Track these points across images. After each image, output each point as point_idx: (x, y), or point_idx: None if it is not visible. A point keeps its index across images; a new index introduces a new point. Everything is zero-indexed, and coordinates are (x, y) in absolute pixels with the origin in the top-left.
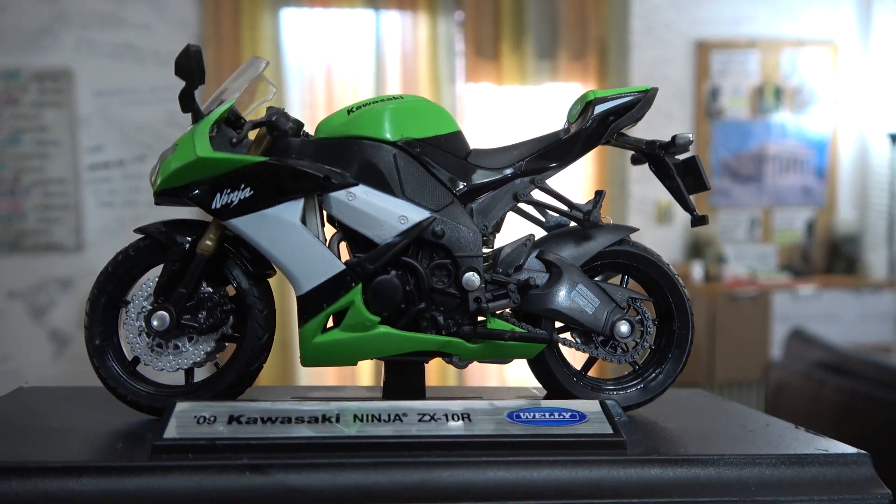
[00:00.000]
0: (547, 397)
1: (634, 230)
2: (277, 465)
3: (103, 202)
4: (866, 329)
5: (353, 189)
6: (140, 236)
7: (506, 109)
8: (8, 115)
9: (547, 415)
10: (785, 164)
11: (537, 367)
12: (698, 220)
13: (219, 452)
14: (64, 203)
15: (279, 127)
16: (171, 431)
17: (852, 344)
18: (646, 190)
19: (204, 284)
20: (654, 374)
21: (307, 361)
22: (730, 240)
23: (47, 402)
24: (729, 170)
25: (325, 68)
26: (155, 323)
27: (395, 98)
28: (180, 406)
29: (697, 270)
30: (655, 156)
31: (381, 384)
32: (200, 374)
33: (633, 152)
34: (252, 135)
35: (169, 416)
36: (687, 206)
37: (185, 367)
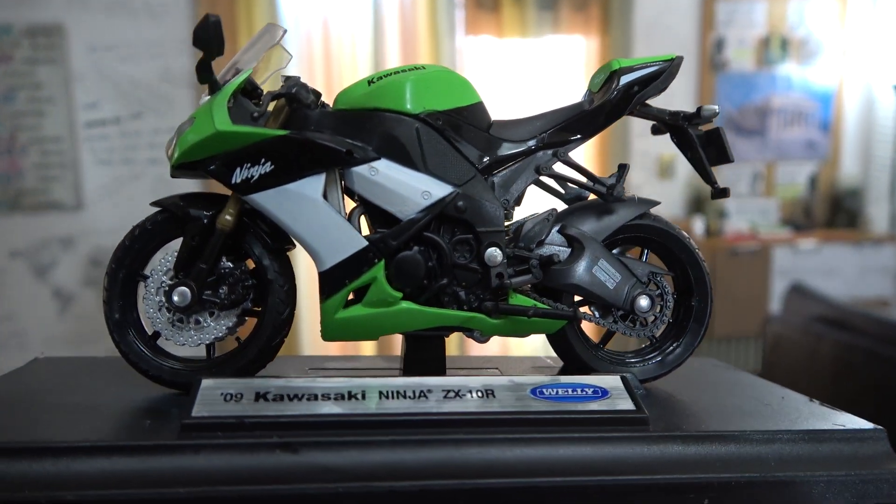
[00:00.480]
0: (564, 370)
1: (656, 204)
2: (307, 442)
3: (101, 160)
4: (865, 283)
5: (375, 163)
6: (156, 209)
7: (506, 62)
8: (1, 72)
9: (569, 391)
10: (789, 117)
11: (556, 341)
12: (719, 193)
13: (248, 430)
14: (61, 161)
15: (300, 100)
16: (198, 409)
17: (851, 298)
18: (647, 144)
19: (223, 259)
20: (671, 348)
21: (328, 336)
22: (732, 194)
23: (65, 375)
24: (732, 123)
25: (321, 23)
26: (176, 299)
27: (416, 68)
28: (206, 383)
29: (699, 225)
30: (678, 127)
31: (397, 354)
32: (220, 348)
33: (654, 122)
34: (270, 105)
35: (195, 393)
36: (708, 178)
37: (207, 342)
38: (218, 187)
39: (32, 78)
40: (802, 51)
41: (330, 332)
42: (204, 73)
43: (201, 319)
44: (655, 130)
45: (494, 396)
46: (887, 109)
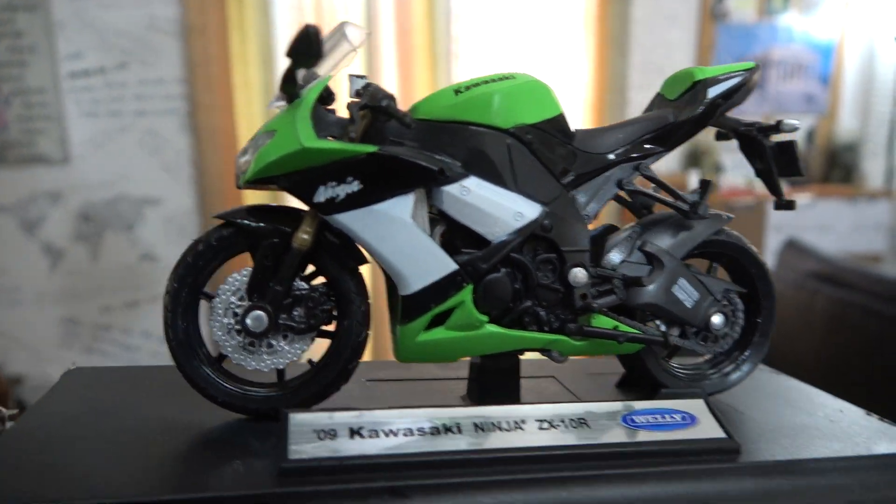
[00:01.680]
0: (628, 379)
1: (730, 219)
2: (414, 486)
3: (86, 112)
4: (859, 239)
5: (465, 182)
6: (219, 222)
7: (501, 13)
8: None
9: (658, 417)
10: (789, 69)
11: (627, 355)
12: (785, 205)
13: (349, 473)
14: (46, 114)
15: (394, 114)
16: (294, 450)
17: (845, 253)
18: (644, 97)
19: (297, 279)
20: (736, 363)
21: (405, 358)
22: (728, 149)
23: (108, 394)
24: None
25: None
26: (251, 324)
27: (505, 77)
28: (295, 417)
29: (694, 180)
30: (751, 137)
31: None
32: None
33: (719, 129)
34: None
35: (286, 430)
36: (776, 190)
37: (281, 366)
38: (280, 198)
39: (13, 26)
40: (804, 0)
41: (408, 354)
42: (290, 84)
43: (274, 343)
44: (720, 136)
45: (588, 426)
46: (888, 64)
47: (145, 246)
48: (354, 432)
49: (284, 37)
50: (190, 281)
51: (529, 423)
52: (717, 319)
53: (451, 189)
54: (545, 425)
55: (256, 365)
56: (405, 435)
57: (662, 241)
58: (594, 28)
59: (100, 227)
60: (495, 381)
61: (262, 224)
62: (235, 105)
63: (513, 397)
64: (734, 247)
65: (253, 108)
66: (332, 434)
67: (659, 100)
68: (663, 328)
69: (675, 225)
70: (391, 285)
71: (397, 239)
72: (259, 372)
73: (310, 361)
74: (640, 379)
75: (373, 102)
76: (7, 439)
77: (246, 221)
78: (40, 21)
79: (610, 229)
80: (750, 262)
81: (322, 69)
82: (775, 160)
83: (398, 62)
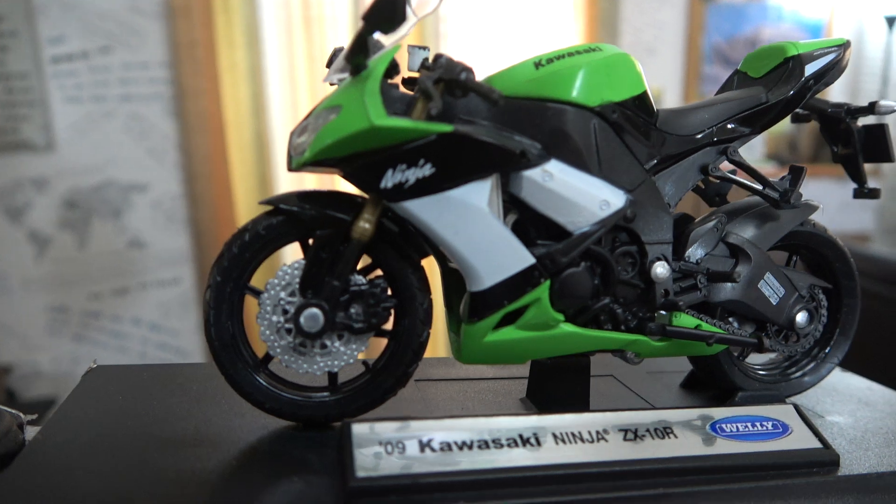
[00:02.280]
0: (697, 378)
1: (817, 208)
2: None
3: (70, 97)
4: (847, 218)
5: (548, 166)
6: (267, 209)
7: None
8: None
9: (748, 426)
10: None
11: (700, 357)
12: (868, 193)
13: (425, 493)
14: (29, 99)
15: (478, 90)
16: (362, 467)
17: (833, 233)
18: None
19: (354, 275)
20: (815, 363)
21: (469, 359)
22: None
23: (136, 395)
24: (721, 55)
25: None
26: (305, 323)
27: (591, 49)
28: (357, 429)
29: None
30: (838, 120)
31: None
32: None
33: (805, 111)
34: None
35: (350, 444)
36: (859, 177)
37: (336, 369)
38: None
39: None
40: None
41: (473, 355)
42: (359, 51)
43: (328, 343)
44: (798, 118)
45: (675, 436)
46: (877, 43)
47: (133, 232)
48: (425, 445)
49: (270, 18)
50: (235, 275)
51: (613, 434)
52: (801, 318)
53: (533, 174)
54: (630, 436)
55: (308, 368)
56: (480, 448)
57: (747, 232)
58: (584, 8)
59: (86, 213)
60: (562, 383)
61: (317, 211)
62: (221, 88)
63: (581, 401)
64: (820, 238)
65: (239, 91)
66: (400, 447)
67: (740, 78)
68: (736, 326)
69: (762, 214)
70: (449, 280)
71: (472, 229)
72: (309, 375)
73: (364, 363)
74: (711, 380)
75: (450, 75)
76: (31, 453)
77: (299, 209)
78: (21, 4)
79: (685, 219)
80: (835, 256)
81: (389, 38)
82: (863, 145)
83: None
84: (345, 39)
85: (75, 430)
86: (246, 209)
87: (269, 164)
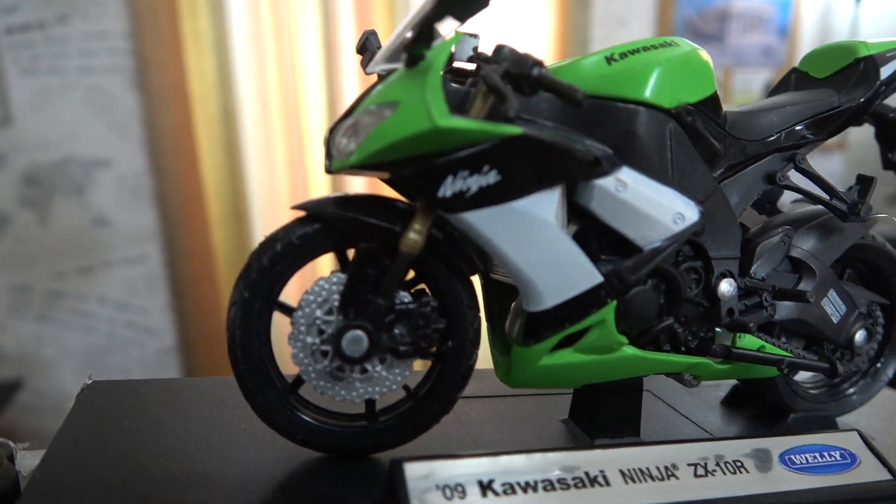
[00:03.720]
0: (735, 396)
1: (885, 220)
2: None
3: (26, 70)
4: (815, 191)
5: (621, 175)
6: (300, 215)
7: None
8: None
9: (817, 456)
10: (749, 21)
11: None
12: None
13: None
14: None
15: (557, 89)
16: None
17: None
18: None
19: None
20: (865, 380)
21: (520, 384)
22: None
23: (139, 418)
24: (692, 28)
25: None
26: (348, 347)
27: (666, 44)
28: (411, 470)
29: None
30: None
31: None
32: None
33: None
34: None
35: (404, 486)
36: None
37: (377, 396)
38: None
39: None
40: None
41: (525, 379)
42: (424, 39)
43: (369, 368)
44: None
45: (746, 470)
46: (844, 16)
47: (97, 209)
48: (486, 487)
49: None
50: (265, 290)
51: (683, 469)
52: (860, 336)
53: (605, 183)
54: (700, 471)
55: (346, 395)
56: (546, 490)
57: (810, 245)
58: None
59: (47, 190)
60: (611, 404)
61: (360, 220)
62: (185, 59)
63: (632, 425)
64: (880, 252)
65: (204, 62)
66: (460, 491)
67: (799, 77)
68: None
69: (825, 226)
70: (492, 292)
71: (537, 244)
72: (346, 402)
73: (406, 388)
74: (759, 398)
75: (519, 70)
76: (30, 494)
77: (339, 216)
78: None
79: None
80: (892, 270)
81: (450, 25)
82: None
83: (355, 13)
84: (313, 8)
85: (77, 466)
86: (214, 185)
87: (237, 138)
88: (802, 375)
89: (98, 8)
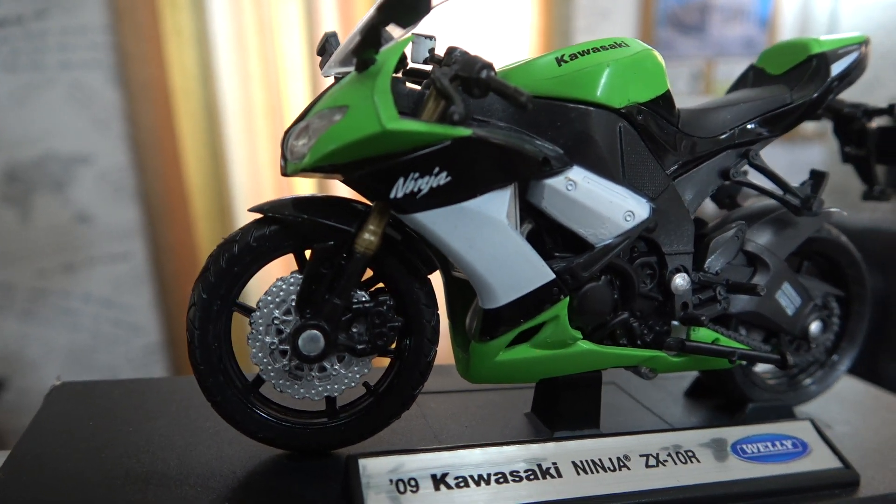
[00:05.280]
0: (697, 387)
1: (836, 214)
2: None
3: (5, 65)
4: (796, 180)
5: (571, 174)
6: (256, 217)
7: None
8: None
9: (769, 445)
10: (731, 13)
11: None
12: (879, 195)
13: None
14: None
15: (503, 91)
16: None
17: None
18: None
19: (356, 290)
20: (823, 370)
21: (478, 379)
22: (672, 92)
23: (107, 418)
24: (675, 19)
25: None
26: (305, 346)
27: (616, 45)
28: (366, 464)
29: None
30: (854, 120)
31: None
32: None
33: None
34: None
35: (358, 482)
36: (870, 178)
37: (336, 394)
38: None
39: None
40: None
41: (483, 375)
42: (371, 44)
43: (328, 366)
44: (812, 116)
45: (698, 459)
46: (823, 7)
47: (79, 206)
48: (439, 481)
49: None
50: (223, 291)
51: (635, 460)
52: (815, 327)
53: (555, 182)
54: (652, 462)
55: (305, 393)
56: (498, 482)
57: (765, 239)
58: None
59: (28, 187)
60: (571, 398)
61: (316, 221)
62: (166, 54)
63: (592, 418)
64: (834, 245)
65: (185, 57)
66: (413, 485)
67: (756, 74)
68: (744, 333)
69: (779, 221)
70: (454, 290)
71: (489, 243)
72: (306, 400)
73: (366, 385)
74: (720, 389)
75: (468, 73)
76: None
77: (295, 217)
78: None
79: (697, 225)
80: (848, 262)
81: (402, 29)
82: (876, 147)
83: (338, 10)
84: (296, 4)
85: (41, 466)
86: (197, 181)
87: (219, 134)
88: (763, 366)
89: (77, 2)
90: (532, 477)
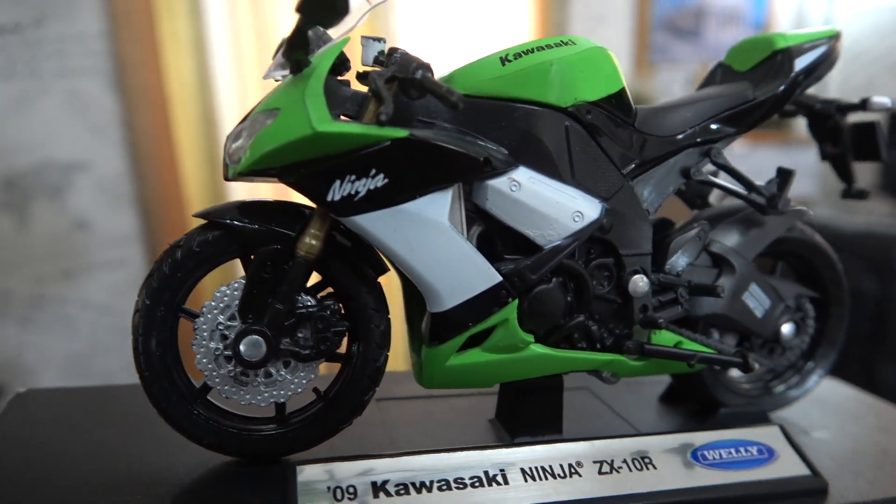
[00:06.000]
0: (672, 393)
1: (807, 214)
2: None
3: (3, 73)
4: (792, 184)
5: (515, 174)
6: (202, 223)
7: None
8: None
9: (732, 451)
10: (726, 18)
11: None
12: (857, 194)
13: None
14: None
15: (435, 90)
16: None
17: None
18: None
19: (301, 294)
20: (800, 375)
21: (431, 384)
22: (667, 96)
23: (65, 426)
24: (670, 24)
25: None
26: (246, 351)
27: (562, 43)
28: (304, 474)
29: None
30: (828, 117)
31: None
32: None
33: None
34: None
35: (294, 489)
36: (847, 175)
37: (282, 399)
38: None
39: None
40: None
41: (435, 380)
42: (298, 46)
43: (273, 372)
44: (785, 114)
45: (654, 467)
46: (817, 12)
47: (77, 213)
48: (379, 488)
49: None
50: (167, 297)
51: (587, 466)
52: (787, 330)
53: (498, 183)
54: (606, 468)
55: (251, 399)
56: (441, 489)
57: (731, 240)
58: None
59: (25, 194)
60: (533, 403)
61: (258, 226)
62: (163, 61)
63: (554, 423)
64: (808, 245)
65: (181, 63)
66: (351, 492)
67: (724, 71)
68: (717, 337)
69: (746, 220)
70: (411, 293)
71: (431, 246)
72: (253, 407)
73: (316, 391)
74: (692, 394)
75: (404, 74)
76: None
77: (237, 222)
78: None
79: (664, 225)
80: (824, 264)
81: (336, 29)
82: (852, 143)
83: None
84: (293, 11)
85: None
86: (195, 187)
87: (216, 141)
88: (737, 371)
89: (74, 9)
90: (477, 484)
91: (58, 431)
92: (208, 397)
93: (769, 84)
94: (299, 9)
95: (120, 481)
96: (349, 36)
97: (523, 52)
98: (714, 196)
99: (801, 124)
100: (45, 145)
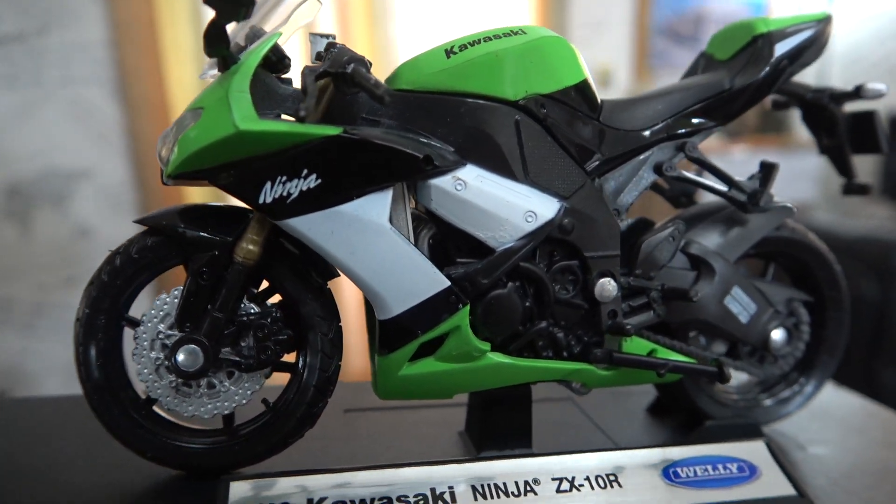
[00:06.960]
0: (662, 404)
1: (793, 212)
2: None
3: (7, 82)
4: (793, 188)
5: (461, 173)
6: (142, 229)
7: None
8: None
9: (710, 468)
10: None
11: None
12: (858, 189)
13: None
14: None
15: (361, 83)
16: None
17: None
18: (586, 54)
19: (244, 300)
20: (796, 386)
21: (387, 395)
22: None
23: (25, 436)
24: (670, 30)
25: None
26: (183, 360)
27: (512, 33)
28: (236, 489)
29: None
30: (820, 107)
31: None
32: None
33: (784, 97)
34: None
35: None
36: (846, 169)
37: (227, 411)
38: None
39: None
40: None
41: (389, 391)
42: (216, 42)
43: (216, 383)
44: (778, 105)
45: (620, 485)
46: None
47: (80, 220)
48: None
49: None
50: (106, 305)
51: (545, 484)
52: (777, 336)
53: (442, 183)
54: (565, 485)
55: (195, 411)
56: None
57: (711, 240)
58: None
59: (29, 201)
60: (501, 415)
61: (195, 231)
62: (166, 69)
63: (523, 436)
64: (799, 245)
65: (184, 72)
66: None
67: (706, 61)
68: (703, 342)
69: (728, 219)
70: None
71: (371, 249)
72: (198, 419)
73: (265, 402)
74: (676, 406)
75: (334, 68)
76: None
77: (174, 227)
78: None
79: (643, 225)
80: (818, 264)
81: (270, 24)
82: (850, 134)
83: (337, 23)
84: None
85: None
86: (197, 196)
87: None
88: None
89: (77, 18)
90: (421, 502)
91: (14, 443)
92: (154, 409)
93: (748, 72)
94: (206, 2)
95: (59, 499)
96: (280, 31)
97: (469, 43)
98: (700, 195)
99: (802, 129)
100: (49, 153)
